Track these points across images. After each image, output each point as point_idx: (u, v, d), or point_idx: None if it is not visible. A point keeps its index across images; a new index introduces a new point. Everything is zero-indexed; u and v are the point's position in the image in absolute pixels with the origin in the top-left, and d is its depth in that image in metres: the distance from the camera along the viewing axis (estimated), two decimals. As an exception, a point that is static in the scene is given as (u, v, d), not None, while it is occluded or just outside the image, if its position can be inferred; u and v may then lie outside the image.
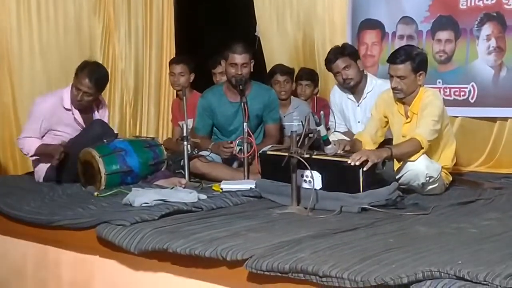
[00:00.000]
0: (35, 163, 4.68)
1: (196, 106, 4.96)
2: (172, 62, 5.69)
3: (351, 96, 4.89)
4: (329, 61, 4.80)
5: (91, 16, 5.85)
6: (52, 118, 4.55)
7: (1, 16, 5.33)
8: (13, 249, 3.99)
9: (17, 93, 5.35)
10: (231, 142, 4.60)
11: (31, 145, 4.52)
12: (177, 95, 5.86)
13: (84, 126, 4.63)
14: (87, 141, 4.45)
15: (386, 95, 4.28)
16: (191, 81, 5.54)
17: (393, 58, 4.11)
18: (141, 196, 3.78)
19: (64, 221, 3.63)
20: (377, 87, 4.69)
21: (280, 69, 5.53)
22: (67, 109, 4.58)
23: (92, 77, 4.48)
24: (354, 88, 4.82)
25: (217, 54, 5.32)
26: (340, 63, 4.73)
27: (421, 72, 4.09)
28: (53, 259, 3.76)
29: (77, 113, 4.61)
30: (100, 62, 5.82)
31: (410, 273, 2.51)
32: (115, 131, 4.89)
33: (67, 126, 4.60)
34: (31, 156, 4.57)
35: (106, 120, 4.83)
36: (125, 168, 4.39)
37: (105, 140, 4.47)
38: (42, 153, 4.51)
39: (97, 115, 4.76)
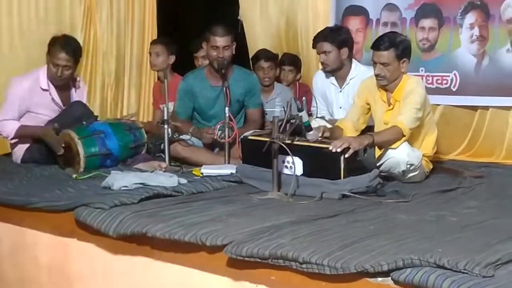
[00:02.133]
0: (13, 144, 4.62)
1: (177, 89, 4.91)
2: (152, 43, 5.66)
3: (334, 81, 4.87)
4: (314, 41, 4.83)
5: (72, -5, 5.76)
6: (30, 99, 4.49)
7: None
8: (-11, 231, 3.94)
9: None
10: (214, 129, 4.56)
11: (10, 128, 4.45)
12: (158, 78, 5.80)
13: (62, 106, 4.57)
14: (66, 123, 4.40)
15: (369, 81, 4.27)
16: (170, 63, 5.46)
17: (377, 45, 4.10)
18: (121, 180, 3.74)
19: (42, 203, 3.59)
20: (360, 73, 4.68)
21: (264, 54, 5.49)
22: (44, 89, 4.52)
23: (68, 49, 4.42)
24: (336, 73, 4.81)
25: (199, 37, 5.27)
26: (320, 47, 4.74)
27: (404, 59, 4.09)
28: (30, 242, 3.71)
29: (54, 93, 4.55)
30: (81, 43, 5.77)
31: (391, 260, 2.51)
32: (96, 114, 4.84)
33: (44, 107, 4.54)
34: (11, 139, 4.50)
35: (84, 99, 4.77)
36: (105, 151, 4.35)
37: (84, 122, 4.43)
38: (22, 136, 4.45)
39: (74, 94, 4.70)
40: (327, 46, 4.70)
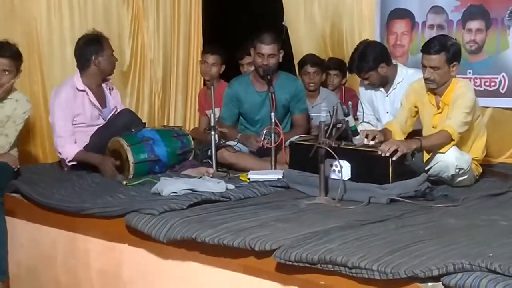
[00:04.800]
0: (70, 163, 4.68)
1: (223, 95, 4.96)
2: (206, 52, 5.65)
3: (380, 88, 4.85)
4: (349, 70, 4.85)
5: (120, 5, 5.84)
6: (72, 104, 4.55)
7: (32, 5, 5.35)
8: (43, 237, 4.04)
9: (47, 81, 5.38)
10: (261, 136, 4.57)
11: (71, 151, 4.50)
12: (204, 84, 5.85)
13: (99, 107, 4.65)
14: (115, 130, 4.47)
15: (417, 84, 4.24)
16: (221, 72, 5.54)
17: (427, 48, 4.05)
18: (170, 185, 3.79)
19: (94, 209, 3.67)
20: (407, 77, 4.62)
21: (310, 60, 5.49)
22: (80, 90, 4.59)
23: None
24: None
25: (244, 44, 5.31)
26: (359, 77, 4.76)
27: (455, 63, 4.04)
28: (83, 247, 3.80)
29: (91, 95, 4.62)
30: (129, 52, 5.89)
31: (441, 265, 2.49)
32: (144, 121, 4.92)
33: (85, 110, 4.59)
34: (70, 161, 4.57)
35: (119, 101, 4.85)
36: (153, 157, 4.41)
37: (133, 130, 4.50)
38: (80, 161, 4.51)
39: (109, 96, 4.77)
40: (362, 76, 4.69)
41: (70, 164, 4.57)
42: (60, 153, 4.61)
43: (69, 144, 4.53)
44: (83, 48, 4.63)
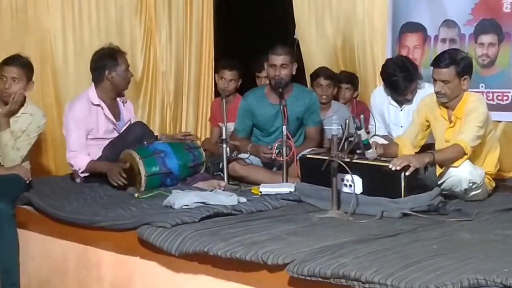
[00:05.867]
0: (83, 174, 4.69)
1: (237, 108, 4.97)
2: (224, 67, 5.57)
3: (392, 101, 4.84)
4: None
5: (133, 18, 5.88)
6: (87, 118, 4.58)
7: (45, 18, 5.39)
8: (55, 249, 4.04)
9: (61, 95, 5.41)
10: (271, 148, 4.58)
11: (83, 162, 4.52)
12: (217, 95, 5.85)
13: (114, 121, 4.66)
14: (127, 143, 4.49)
15: (429, 99, 4.23)
16: (237, 86, 5.56)
17: (437, 62, 4.06)
18: (182, 198, 3.79)
19: (106, 222, 3.67)
20: (423, 90, 4.63)
21: (324, 72, 5.49)
22: (95, 105, 4.61)
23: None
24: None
25: (259, 57, 5.32)
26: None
27: (465, 76, 4.04)
28: (94, 260, 3.80)
29: (106, 108, 4.64)
30: (141, 64, 5.91)
31: (455, 280, 2.48)
32: (156, 134, 4.93)
33: (100, 125, 4.62)
34: (82, 172, 4.58)
35: (132, 113, 4.87)
36: (165, 170, 4.41)
37: (145, 142, 4.51)
38: (92, 171, 4.53)
39: (123, 109, 4.78)
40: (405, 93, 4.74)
41: (83, 175, 4.58)
42: (72, 165, 4.62)
43: (80, 155, 4.54)
44: (98, 62, 4.65)
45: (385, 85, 4.80)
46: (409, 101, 4.76)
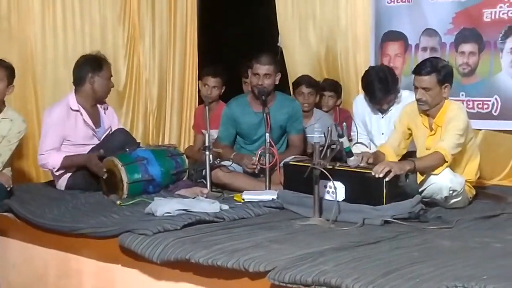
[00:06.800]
0: (56, 172, 4.69)
1: (220, 115, 4.98)
2: (207, 74, 5.56)
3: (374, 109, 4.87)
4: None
5: (116, 25, 5.88)
6: (65, 124, 4.56)
7: (26, 24, 5.38)
8: (35, 257, 4.01)
9: (41, 101, 5.40)
10: (255, 161, 4.57)
11: (55, 159, 4.51)
12: (200, 102, 5.85)
13: (93, 127, 4.65)
14: (109, 150, 4.47)
15: (410, 107, 4.27)
16: (221, 94, 5.56)
17: (419, 70, 4.10)
18: (164, 206, 3.79)
19: (87, 229, 3.65)
20: (403, 99, 4.67)
21: (306, 81, 5.51)
22: (74, 110, 4.60)
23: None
24: None
25: (246, 62, 5.33)
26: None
27: (446, 84, 4.08)
28: (75, 267, 3.78)
29: (85, 114, 4.62)
30: (124, 71, 5.90)
31: (435, 287, 2.48)
32: (138, 141, 4.92)
33: (78, 131, 4.60)
34: (57, 170, 4.57)
35: (116, 120, 4.86)
36: (147, 177, 4.40)
37: (127, 149, 4.50)
38: (67, 166, 4.51)
39: (104, 116, 4.76)
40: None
41: (58, 173, 4.54)
42: (45, 166, 4.59)
43: (53, 154, 4.51)
44: (82, 64, 4.64)
45: (363, 90, 4.84)
46: (385, 111, 4.80)
